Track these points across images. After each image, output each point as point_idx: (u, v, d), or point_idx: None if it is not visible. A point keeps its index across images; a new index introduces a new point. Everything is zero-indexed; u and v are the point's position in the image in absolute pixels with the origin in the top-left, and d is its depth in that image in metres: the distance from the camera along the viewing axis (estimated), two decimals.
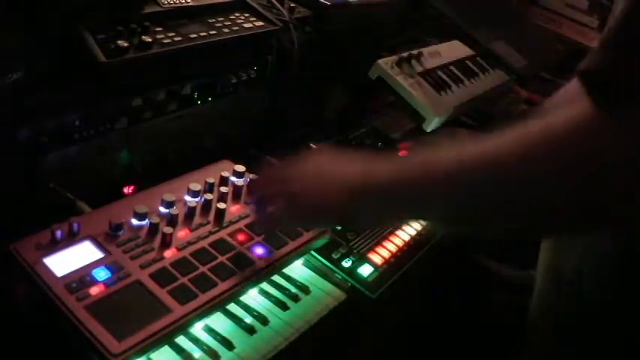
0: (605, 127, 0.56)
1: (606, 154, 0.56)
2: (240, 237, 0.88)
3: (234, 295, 0.81)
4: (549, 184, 0.60)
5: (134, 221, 0.84)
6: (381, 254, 1.00)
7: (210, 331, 0.78)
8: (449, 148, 0.69)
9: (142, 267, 0.79)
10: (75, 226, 0.80)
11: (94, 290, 0.73)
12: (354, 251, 0.99)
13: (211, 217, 0.91)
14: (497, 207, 0.64)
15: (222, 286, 0.80)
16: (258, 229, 0.89)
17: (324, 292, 0.90)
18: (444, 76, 1.43)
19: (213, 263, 0.83)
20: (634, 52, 0.54)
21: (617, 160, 0.56)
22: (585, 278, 0.73)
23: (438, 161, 0.69)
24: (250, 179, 0.98)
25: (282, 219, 0.84)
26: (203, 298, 0.77)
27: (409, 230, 1.09)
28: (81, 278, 0.74)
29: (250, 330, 0.80)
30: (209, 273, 0.81)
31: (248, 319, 0.81)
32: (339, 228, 1.01)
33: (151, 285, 0.77)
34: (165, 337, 0.73)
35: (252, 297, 0.85)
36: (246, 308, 0.83)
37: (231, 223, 0.90)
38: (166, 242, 0.83)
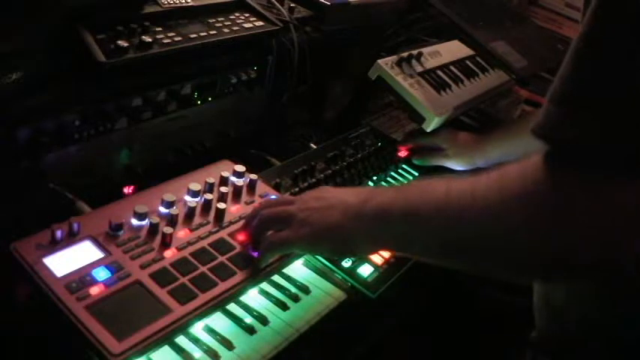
0: (565, 195, 0.56)
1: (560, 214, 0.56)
2: (240, 237, 0.88)
3: (234, 295, 0.81)
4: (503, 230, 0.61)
5: (134, 221, 0.84)
6: (381, 254, 1.00)
7: (210, 331, 0.78)
8: (445, 179, 0.69)
9: (142, 267, 0.79)
10: (75, 226, 0.80)
11: (94, 290, 0.73)
12: None
13: (211, 217, 0.91)
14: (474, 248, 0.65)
15: (222, 286, 0.80)
16: (254, 247, 0.85)
17: (324, 292, 0.90)
18: (444, 76, 1.43)
19: (213, 263, 0.83)
20: (580, 110, 0.54)
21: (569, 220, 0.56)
22: (571, 309, 0.73)
23: (432, 191, 0.69)
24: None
25: (280, 242, 0.83)
26: (203, 298, 0.78)
27: None
28: (81, 278, 0.74)
29: (250, 330, 0.80)
30: (209, 273, 0.81)
31: (248, 319, 0.81)
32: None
33: (151, 285, 0.77)
34: (165, 337, 0.73)
35: (252, 297, 0.85)
36: (246, 308, 0.83)
37: (231, 223, 0.90)
38: (166, 242, 0.83)
